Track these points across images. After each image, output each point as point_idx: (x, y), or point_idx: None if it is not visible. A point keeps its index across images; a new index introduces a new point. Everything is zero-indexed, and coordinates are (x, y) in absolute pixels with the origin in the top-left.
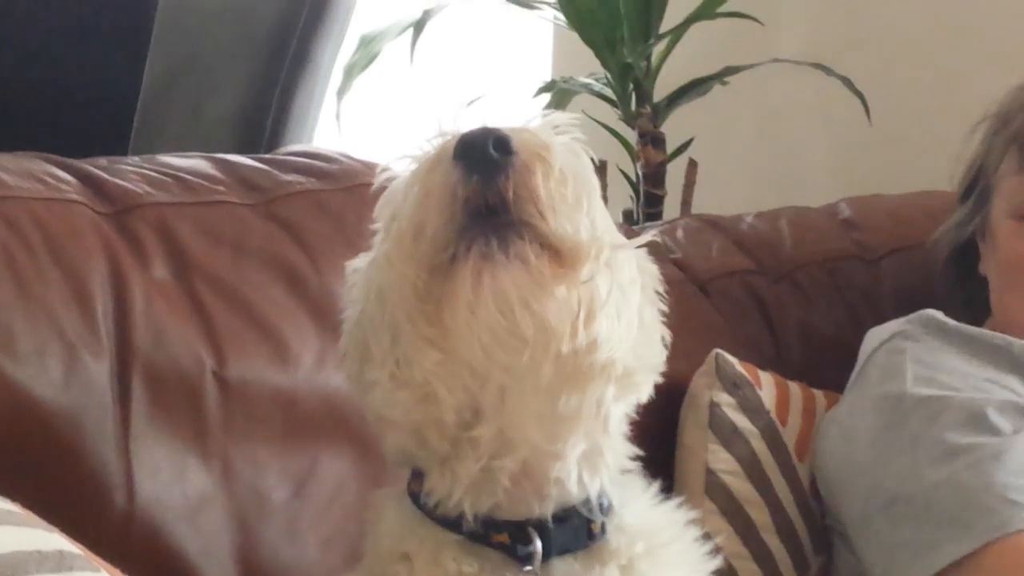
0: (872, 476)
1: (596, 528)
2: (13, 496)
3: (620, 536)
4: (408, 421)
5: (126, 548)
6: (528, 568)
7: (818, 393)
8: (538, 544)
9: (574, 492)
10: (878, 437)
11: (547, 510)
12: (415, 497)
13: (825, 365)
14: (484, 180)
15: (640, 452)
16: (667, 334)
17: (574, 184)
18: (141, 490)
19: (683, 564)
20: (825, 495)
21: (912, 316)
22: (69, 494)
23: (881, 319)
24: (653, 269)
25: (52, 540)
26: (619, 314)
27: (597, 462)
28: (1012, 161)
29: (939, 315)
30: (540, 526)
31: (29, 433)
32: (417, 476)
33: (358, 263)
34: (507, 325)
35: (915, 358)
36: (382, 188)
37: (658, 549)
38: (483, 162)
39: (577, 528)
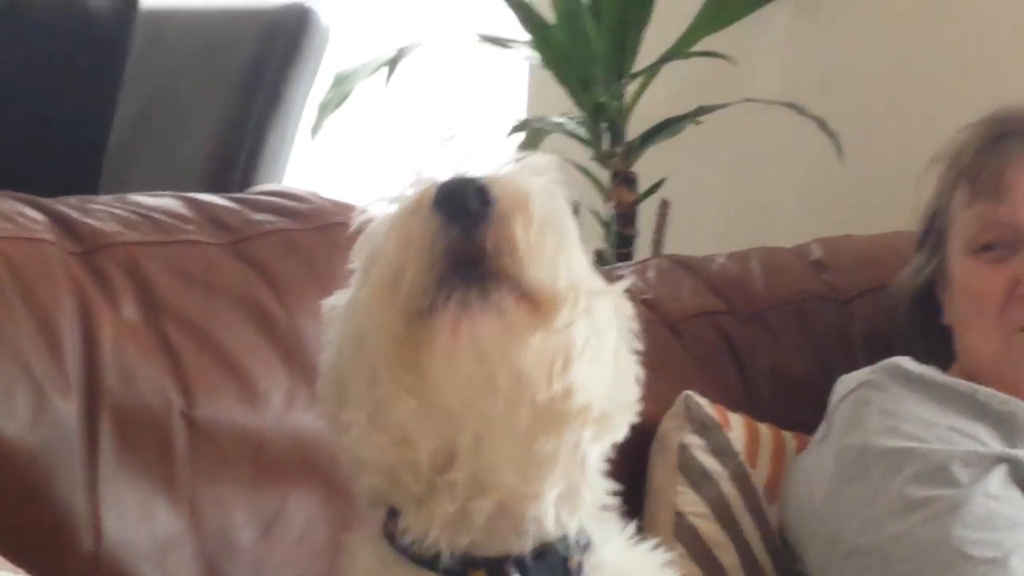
0: (832, 526)
1: (574, 565)
2: None
3: (599, 574)
4: (383, 463)
5: None
6: None
7: (788, 435)
8: None
9: (552, 530)
10: (839, 488)
11: (525, 546)
12: (391, 538)
13: (795, 406)
14: (463, 231)
15: (616, 488)
16: (640, 373)
17: (553, 233)
18: (108, 531)
19: None
20: (790, 541)
21: (878, 365)
22: (35, 535)
23: (852, 360)
24: (628, 308)
25: None
26: (595, 358)
27: (575, 501)
28: (962, 195)
29: (905, 362)
30: (519, 562)
31: None
32: (392, 515)
33: (335, 301)
34: (484, 375)
35: (880, 409)
36: (359, 230)
37: None
38: (463, 212)
39: (555, 565)
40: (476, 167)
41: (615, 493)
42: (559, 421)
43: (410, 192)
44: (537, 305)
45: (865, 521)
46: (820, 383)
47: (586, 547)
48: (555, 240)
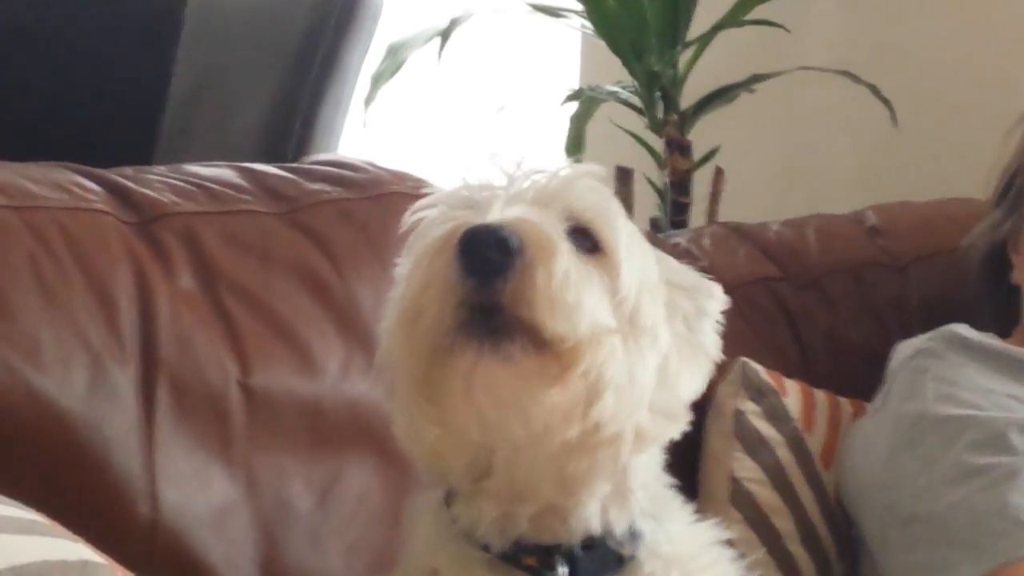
0: (890, 495)
1: (626, 555)
2: (38, 505)
3: (655, 561)
4: (426, 462)
5: (150, 557)
6: None
7: (844, 401)
8: (564, 571)
9: (598, 529)
10: (897, 456)
11: (574, 539)
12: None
13: (851, 373)
14: (481, 283)
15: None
16: (706, 367)
17: (576, 284)
18: (165, 499)
19: None
20: (847, 507)
21: (935, 332)
22: (93, 503)
23: (908, 326)
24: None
25: (77, 550)
26: (632, 382)
27: (623, 500)
28: None
29: (963, 330)
30: (568, 553)
31: (54, 443)
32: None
33: (400, 270)
34: (500, 422)
35: (937, 376)
36: (409, 229)
37: (695, 573)
38: (482, 264)
39: (605, 555)
40: (506, 219)
41: (670, 461)
42: (588, 448)
43: (439, 231)
44: (556, 356)
45: (923, 488)
46: (876, 349)
47: (638, 537)
48: (578, 292)
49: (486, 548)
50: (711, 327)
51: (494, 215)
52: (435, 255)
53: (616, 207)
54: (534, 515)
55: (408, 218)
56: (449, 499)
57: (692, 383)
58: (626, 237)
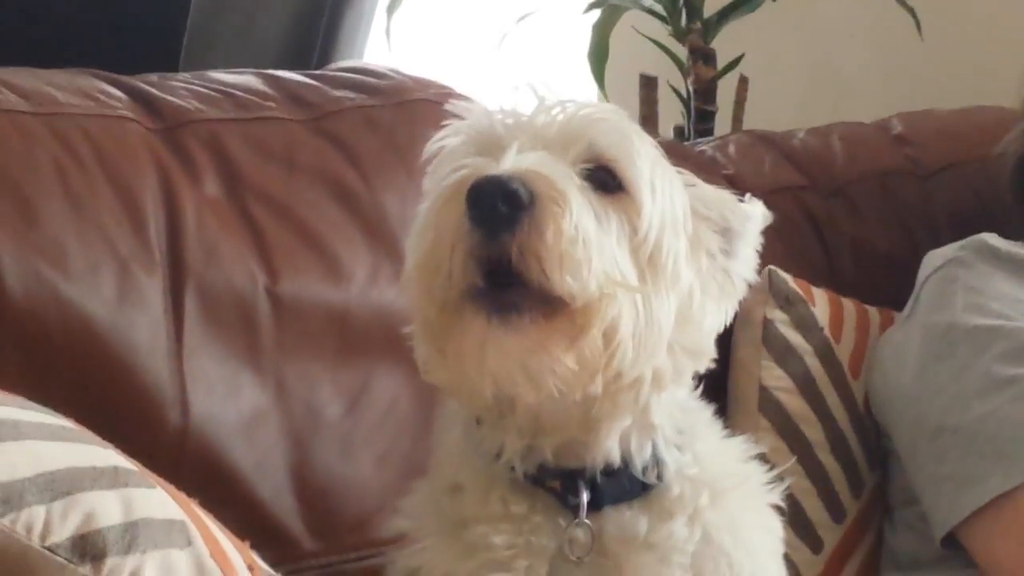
0: (919, 406)
1: (650, 479)
2: (67, 413)
3: (684, 483)
4: (448, 395)
5: (180, 464)
6: (577, 520)
7: (872, 310)
8: (585, 497)
9: (618, 458)
10: (926, 366)
11: (597, 466)
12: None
13: (878, 281)
14: (488, 236)
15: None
16: (734, 296)
17: (586, 240)
18: (195, 406)
19: (748, 509)
20: (877, 418)
21: (966, 241)
22: (123, 410)
23: (934, 235)
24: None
25: (107, 456)
26: (650, 327)
27: (646, 432)
28: None
29: (993, 239)
30: (591, 480)
31: (83, 350)
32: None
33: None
34: (509, 379)
35: (966, 286)
36: (432, 155)
37: (723, 495)
38: (491, 217)
39: (628, 481)
40: (517, 168)
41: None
42: (609, 395)
43: (454, 176)
44: (569, 317)
45: (952, 400)
46: (903, 258)
47: (662, 465)
48: (587, 250)
49: (511, 469)
50: (747, 248)
51: (507, 163)
52: (446, 204)
53: (639, 144)
54: (557, 446)
55: (430, 146)
56: (478, 417)
57: (718, 317)
58: (649, 174)
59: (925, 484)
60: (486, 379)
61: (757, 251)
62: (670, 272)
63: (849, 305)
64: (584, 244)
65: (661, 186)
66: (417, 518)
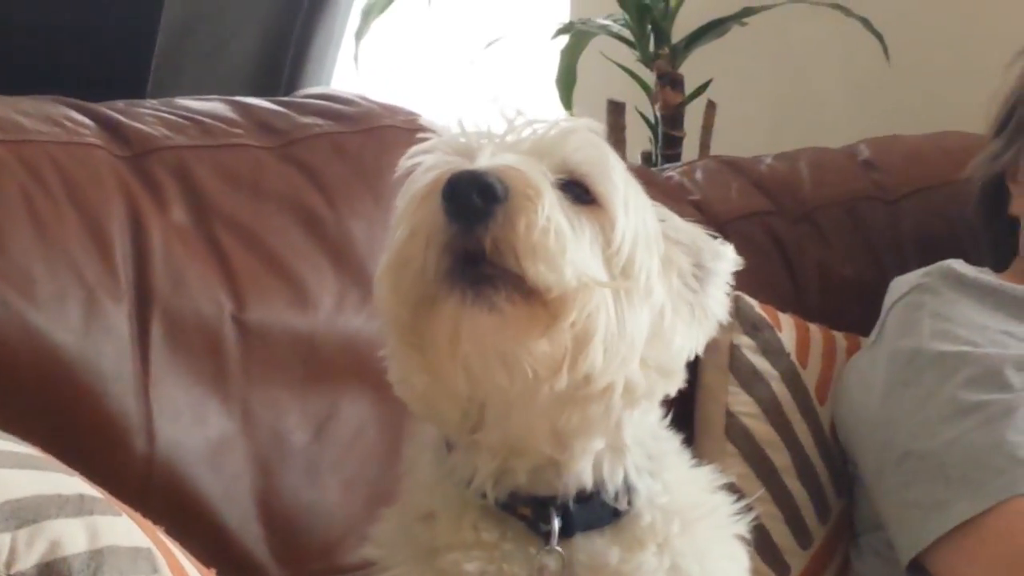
0: (885, 431)
1: (622, 506)
2: (33, 440)
3: (654, 511)
4: (420, 412)
5: (147, 491)
6: (548, 547)
7: (838, 335)
8: (556, 524)
9: (591, 483)
10: (892, 392)
11: (569, 492)
12: (450, 449)
13: (845, 306)
14: (464, 229)
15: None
16: (706, 326)
17: (560, 233)
18: (161, 433)
19: (715, 539)
20: (843, 444)
21: (931, 268)
22: (89, 438)
23: (901, 260)
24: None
25: (72, 484)
26: (622, 334)
27: (618, 456)
28: None
29: (959, 265)
30: (563, 506)
31: (49, 378)
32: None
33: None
34: (484, 370)
35: (932, 312)
36: (404, 174)
37: (693, 525)
38: (466, 210)
39: (600, 508)
40: (492, 163)
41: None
42: (578, 401)
43: (427, 177)
44: (544, 305)
45: (919, 425)
46: (870, 283)
47: (633, 491)
48: (561, 241)
49: (483, 496)
50: (718, 288)
51: (482, 161)
52: (422, 202)
53: (614, 160)
54: (530, 469)
55: (404, 162)
56: (449, 443)
57: (688, 340)
58: (623, 190)
59: (891, 509)
60: (460, 368)
61: (727, 293)
62: (643, 285)
63: (816, 331)
64: (557, 236)
65: (634, 203)
66: (387, 546)
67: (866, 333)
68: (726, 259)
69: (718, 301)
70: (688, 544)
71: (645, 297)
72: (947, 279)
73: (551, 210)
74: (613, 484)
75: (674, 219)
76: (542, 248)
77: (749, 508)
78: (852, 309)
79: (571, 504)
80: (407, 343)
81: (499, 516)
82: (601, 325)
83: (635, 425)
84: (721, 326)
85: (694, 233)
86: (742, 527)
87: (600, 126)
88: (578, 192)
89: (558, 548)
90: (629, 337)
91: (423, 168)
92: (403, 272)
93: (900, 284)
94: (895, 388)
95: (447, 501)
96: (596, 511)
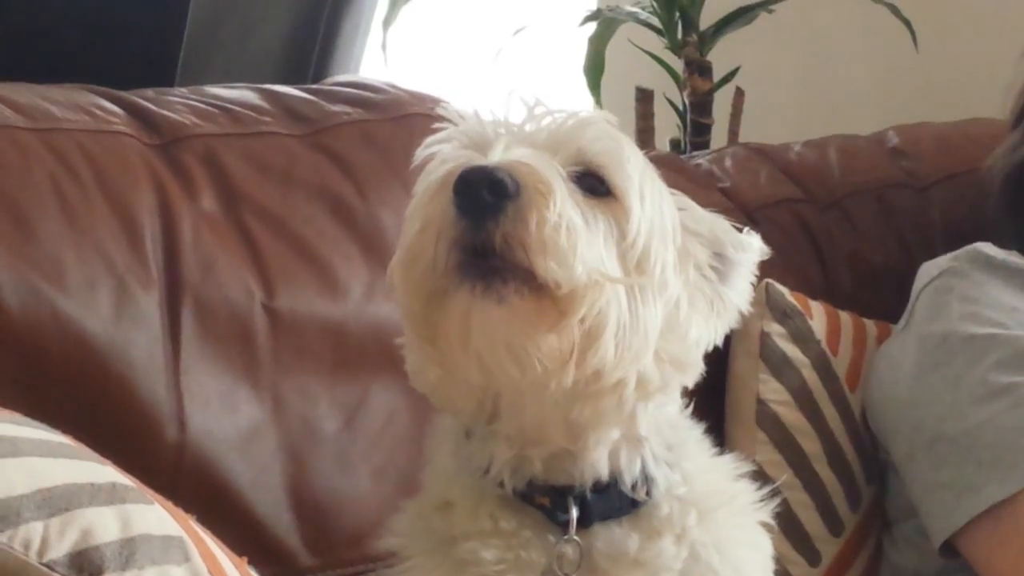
0: (916, 415)
1: (640, 496)
2: (64, 428)
3: (672, 502)
4: (437, 403)
5: (178, 480)
6: (566, 537)
7: (869, 323)
8: (574, 513)
9: (607, 473)
10: (923, 376)
11: (586, 482)
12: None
13: (875, 294)
14: (474, 225)
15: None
16: (726, 317)
17: (572, 229)
18: (192, 422)
19: (737, 527)
20: (874, 430)
21: (960, 252)
22: (120, 427)
23: (930, 247)
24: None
25: (104, 472)
26: (635, 329)
27: (634, 447)
28: None
29: (987, 248)
30: (580, 496)
31: (80, 366)
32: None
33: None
34: (495, 363)
35: (962, 295)
36: (420, 165)
37: (711, 513)
38: (476, 205)
39: (617, 498)
40: (504, 159)
41: (691, 391)
42: (592, 396)
43: (440, 171)
44: (554, 301)
45: (949, 408)
46: (899, 270)
47: (651, 482)
48: (574, 234)
49: (501, 485)
50: (741, 278)
51: (494, 156)
52: (433, 196)
53: (629, 151)
54: (546, 458)
55: (420, 152)
56: (468, 432)
57: (705, 333)
58: (638, 182)
59: (922, 493)
60: (472, 360)
61: (752, 283)
62: (657, 279)
63: (846, 318)
64: (569, 232)
65: (650, 194)
66: (406, 536)
67: (896, 320)
68: (751, 249)
69: (740, 292)
70: (707, 533)
71: (660, 291)
72: (976, 262)
73: (563, 206)
74: (631, 474)
75: (695, 209)
76: (552, 244)
77: (774, 494)
78: (882, 297)
79: (588, 494)
80: (420, 335)
81: (516, 505)
82: (612, 321)
83: (651, 416)
84: (751, 314)
85: (715, 223)
86: (765, 514)
87: (615, 118)
88: (593, 184)
89: (576, 538)
90: (642, 332)
91: (438, 160)
92: (414, 266)
93: (928, 269)
94: (925, 371)
95: (464, 491)
96: (614, 501)
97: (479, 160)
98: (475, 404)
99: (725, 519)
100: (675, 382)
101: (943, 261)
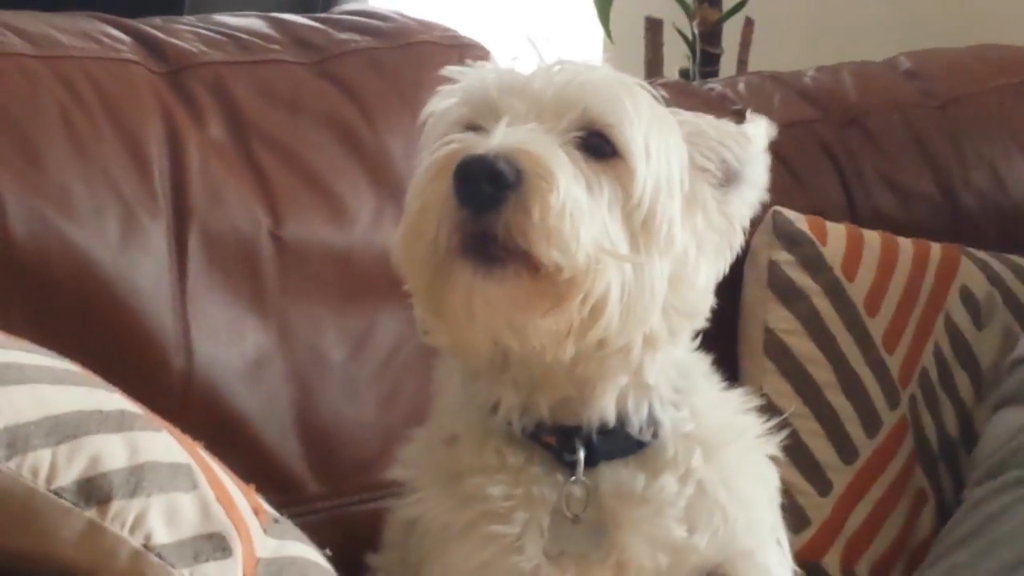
0: None
1: (645, 438)
2: (72, 356)
3: (678, 442)
4: (448, 354)
5: (185, 408)
6: (573, 478)
7: (904, 242)
8: (581, 454)
9: (613, 417)
10: None
11: (593, 424)
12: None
13: (899, 210)
14: (475, 214)
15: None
16: (734, 241)
17: (574, 215)
18: (199, 350)
19: (744, 462)
20: None
21: None
22: (127, 355)
23: (958, 160)
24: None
25: (112, 400)
26: (640, 294)
27: (641, 392)
28: None
29: None
30: (587, 437)
31: (87, 293)
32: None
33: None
34: (499, 337)
35: None
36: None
37: (719, 450)
38: (476, 196)
39: (623, 439)
40: (504, 143)
41: (713, 312)
42: (593, 359)
43: (442, 150)
44: (554, 284)
45: None
46: (925, 185)
47: (658, 424)
48: (574, 223)
49: (508, 424)
50: (755, 172)
51: (495, 139)
52: (433, 179)
53: (635, 108)
54: (554, 403)
55: (428, 109)
56: (475, 373)
57: (712, 273)
58: (644, 139)
59: None
60: (479, 331)
61: (767, 171)
62: (663, 237)
63: (873, 240)
64: (572, 218)
65: (656, 148)
66: (415, 467)
67: (927, 235)
68: (756, 140)
69: (756, 185)
70: (714, 469)
71: (666, 249)
72: None
73: (566, 192)
74: (638, 418)
75: (702, 124)
76: (556, 233)
77: (783, 426)
78: (908, 212)
79: (595, 436)
80: (427, 308)
81: (523, 442)
82: (615, 293)
83: (659, 364)
84: (760, 243)
85: (722, 141)
86: (772, 447)
87: (624, 74)
88: (598, 144)
89: (584, 479)
90: (649, 293)
91: (440, 113)
92: (417, 244)
93: None
94: None
95: (470, 426)
96: (619, 443)
97: (479, 145)
98: (487, 358)
99: (733, 454)
100: (685, 330)
101: None
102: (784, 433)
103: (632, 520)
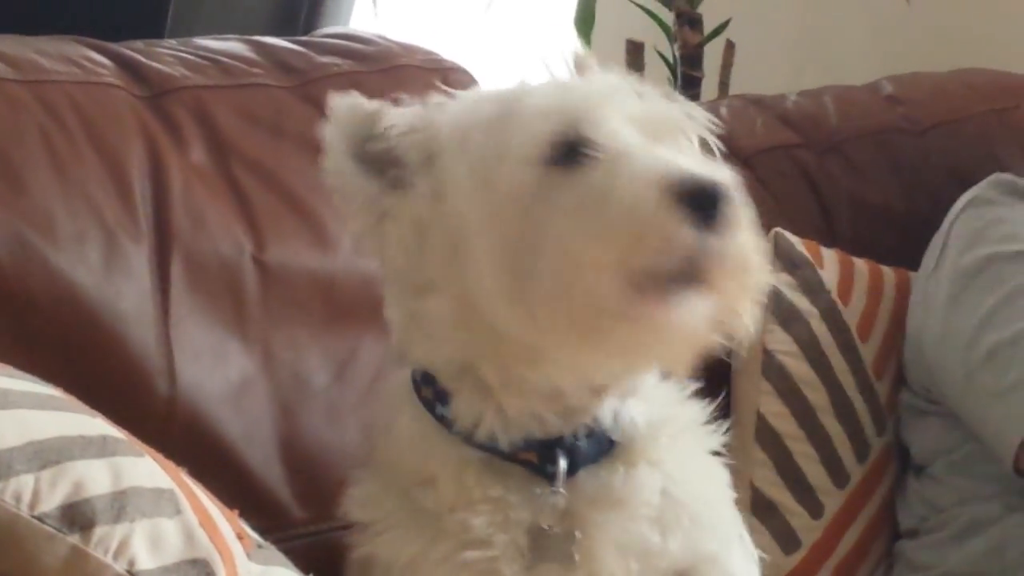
0: (969, 335)
1: (615, 435)
2: (55, 381)
3: (644, 431)
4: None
5: (168, 433)
6: (552, 489)
7: (887, 270)
8: (563, 464)
9: (591, 418)
10: (968, 298)
11: (576, 430)
12: (428, 404)
13: (877, 236)
14: (700, 240)
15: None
16: None
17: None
18: (182, 375)
19: (697, 446)
20: (915, 377)
21: (984, 182)
22: (111, 380)
23: (934, 189)
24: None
25: (95, 425)
26: None
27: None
28: None
29: (1008, 176)
30: (569, 446)
31: (70, 319)
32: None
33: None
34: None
35: (995, 220)
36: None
37: (674, 440)
38: (708, 220)
39: (600, 438)
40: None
41: None
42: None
43: (647, 164)
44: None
45: (1005, 319)
46: (902, 212)
47: (622, 418)
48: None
49: (481, 447)
50: None
51: (700, 166)
52: (647, 216)
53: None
54: (545, 408)
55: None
56: (425, 392)
57: None
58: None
59: (989, 406)
60: (643, 361)
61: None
62: None
63: (861, 266)
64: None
65: None
66: (376, 508)
67: (900, 263)
68: None
69: None
70: (674, 467)
71: None
72: (999, 186)
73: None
74: (611, 414)
75: None
76: (753, 265)
77: (718, 418)
78: (885, 239)
79: (579, 441)
80: (578, 331)
81: (498, 467)
82: None
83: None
84: None
85: None
86: (716, 442)
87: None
88: None
89: (562, 490)
90: None
91: (532, 114)
92: (627, 255)
93: (953, 208)
94: (971, 294)
95: (446, 462)
96: (597, 443)
97: (689, 168)
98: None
99: (687, 449)
100: None
101: (968, 193)
102: (725, 427)
103: (602, 526)
